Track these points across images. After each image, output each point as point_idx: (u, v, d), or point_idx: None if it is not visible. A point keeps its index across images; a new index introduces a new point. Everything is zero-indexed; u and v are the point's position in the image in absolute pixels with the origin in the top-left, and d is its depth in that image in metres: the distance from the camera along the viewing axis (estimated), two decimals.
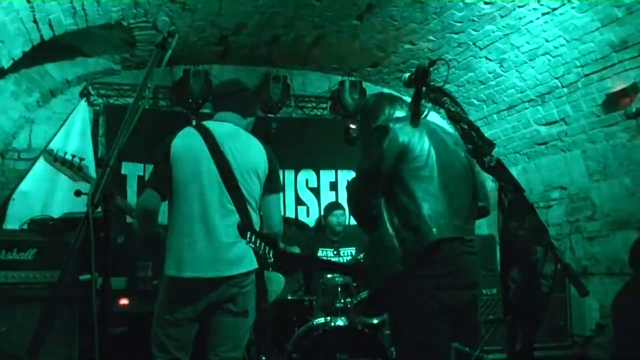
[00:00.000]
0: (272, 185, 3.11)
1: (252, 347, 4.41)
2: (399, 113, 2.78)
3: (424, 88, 2.08)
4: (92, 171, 5.47)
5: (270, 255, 2.81)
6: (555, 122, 5.59)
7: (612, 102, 4.87)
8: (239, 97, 3.19)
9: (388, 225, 2.49)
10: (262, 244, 2.75)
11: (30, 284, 3.96)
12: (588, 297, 4.77)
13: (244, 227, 2.75)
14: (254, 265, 2.94)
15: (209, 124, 3.05)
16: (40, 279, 3.96)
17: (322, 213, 6.43)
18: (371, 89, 6.72)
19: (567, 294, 5.17)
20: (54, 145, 5.39)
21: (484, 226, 6.80)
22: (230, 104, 3.14)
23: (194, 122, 3.13)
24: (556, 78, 5.22)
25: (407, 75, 2.18)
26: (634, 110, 3.75)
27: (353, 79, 6.60)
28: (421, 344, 2.46)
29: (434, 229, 2.40)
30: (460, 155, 2.67)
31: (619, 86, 4.74)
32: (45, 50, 4.76)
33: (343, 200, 6.46)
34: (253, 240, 2.75)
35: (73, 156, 3.41)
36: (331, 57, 6.32)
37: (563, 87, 5.25)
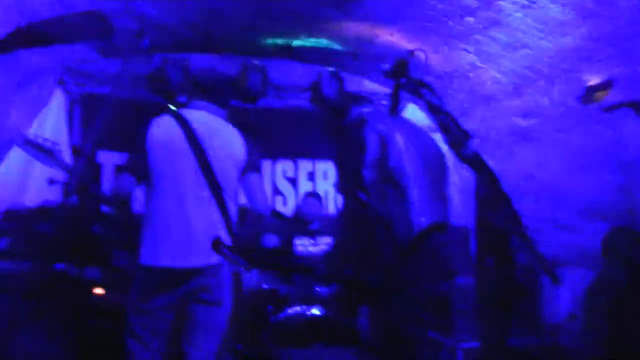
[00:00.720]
0: (251, 166, 3.11)
1: (228, 337, 4.42)
2: (366, 108, 2.81)
3: (403, 79, 2.08)
4: (69, 160, 5.44)
5: (245, 265, 2.85)
6: (532, 114, 5.64)
7: (588, 95, 4.92)
8: (217, 87, 3.17)
9: (376, 215, 2.52)
10: (237, 256, 2.77)
11: (4, 274, 3.92)
12: (560, 286, 4.87)
13: (216, 244, 2.77)
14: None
15: (187, 112, 3.03)
16: (15, 270, 3.92)
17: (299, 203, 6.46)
18: (351, 79, 6.72)
19: (540, 283, 5.24)
20: (29, 132, 5.32)
21: (460, 216, 6.85)
22: (208, 93, 3.12)
23: (171, 111, 3.09)
24: (533, 71, 5.27)
25: (386, 66, 2.18)
26: (609, 104, 3.80)
27: (332, 69, 6.59)
28: (406, 335, 2.50)
29: (423, 218, 2.45)
30: (434, 146, 2.72)
31: (595, 80, 4.80)
32: (20, 37, 4.68)
33: (320, 190, 6.49)
34: (227, 254, 2.78)
35: (45, 140, 3.34)
36: (311, 47, 6.30)
37: (540, 79, 5.29)
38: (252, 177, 3.10)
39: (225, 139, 3.02)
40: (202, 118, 3.00)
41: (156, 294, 2.84)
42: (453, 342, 4.80)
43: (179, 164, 2.89)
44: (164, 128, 2.93)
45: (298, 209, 6.27)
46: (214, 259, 2.87)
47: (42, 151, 3.29)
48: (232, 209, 3.00)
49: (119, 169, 2.94)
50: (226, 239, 2.93)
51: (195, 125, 2.94)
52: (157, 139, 2.89)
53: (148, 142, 2.88)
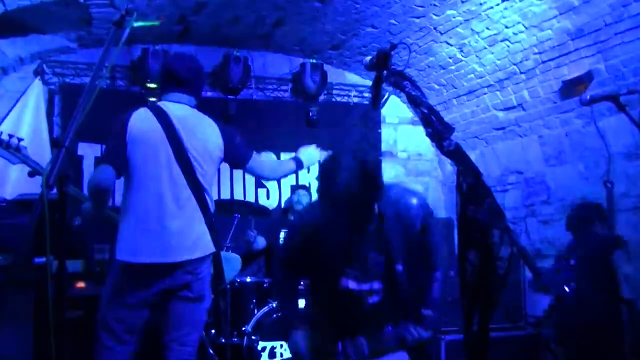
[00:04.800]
0: (242, 153, 3.11)
1: (212, 329, 4.41)
2: None
3: (385, 72, 2.08)
4: (48, 152, 5.37)
5: None
6: (513, 107, 5.68)
7: (568, 89, 4.97)
8: (197, 80, 3.11)
9: None
10: None
11: None
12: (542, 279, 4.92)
13: None
14: (210, 249, 2.91)
15: (165, 105, 2.96)
16: None
17: (282, 195, 6.45)
18: (333, 71, 6.72)
19: (522, 276, 5.28)
20: (6, 123, 5.27)
21: (443, 209, 6.90)
22: (188, 86, 3.05)
23: (149, 104, 3.02)
24: (514, 64, 5.30)
25: (368, 58, 2.17)
26: (588, 97, 3.82)
27: (314, 61, 6.58)
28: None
29: None
30: None
31: (574, 73, 4.84)
32: None
33: (304, 182, 6.48)
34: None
35: (10, 136, 3.23)
36: (293, 39, 6.28)
37: (521, 73, 5.33)
38: (253, 160, 3.13)
39: (204, 134, 2.96)
40: (180, 112, 2.93)
41: (134, 290, 2.79)
42: (436, 335, 4.83)
43: (157, 158, 2.82)
44: (142, 121, 2.86)
45: (288, 202, 6.25)
46: (193, 254, 2.86)
47: (2, 146, 3.20)
48: (211, 204, 2.97)
49: (97, 162, 2.88)
50: (205, 232, 2.90)
51: (173, 118, 2.89)
52: (135, 132, 2.82)
53: (127, 135, 2.82)
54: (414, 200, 2.63)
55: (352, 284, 2.59)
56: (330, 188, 2.30)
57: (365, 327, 2.61)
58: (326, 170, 2.37)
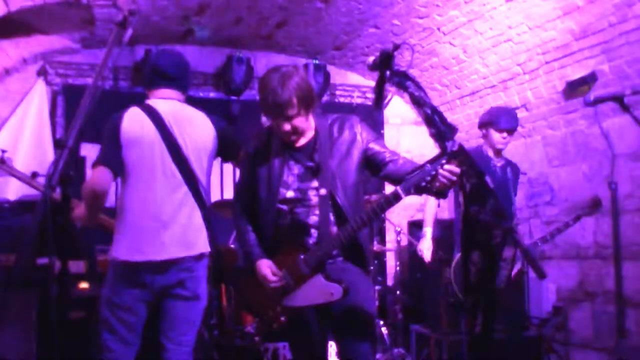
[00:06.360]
0: (238, 144, 3.11)
1: (214, 330, 4.41)
2: None
3: (388, 72, 2.08)
4: (51, 153, 5.38)
5: None
6: (517, 108, 5.66)
7: (572, 89, 4.95)
8: (184, 74, 3.10)
9: None
10: None
11: None
12: (545, 280, 4.91)
13: None
14: (205, 248, 2.91)
15: (155, 103, 2.96)
16: None
17: None
18: (336, 72, 6.72)
19: (526, 277, 5.27)
20: (10, 124, 5.29)
21: (445, 210, 6.88)
22: (175, 81, 3.04)
23: (140, 103, 2.99)
24: (518, 65, 5.29)
25: (371, 59, 2.17)
26: (592, 98, 3.82)
27: (317, 62, 6.57)
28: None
29: None
30: None
31: (578, 74, 4.83)
32: (0, 27, 4.61)
33: None
34: None
35: None
36: (295, 40, 6.28)
37: (524, 73, 5.32)
38: None
39: (196, 128, 2.97)
40: (171, 109, 2.93)
41: (131, 288, 2.80)
42: (439, 335, 4.83)
43: (152, 157, 2.82)
44: (134, 121, 2.84)
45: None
46: (188, 251, 2.85)
47: None
48: (206, 198, 2.98)
49: (93, 166, 2.86)
50: (202, 230, 2.91)
51: (166, 117, 2.88)
52: (129, 132, 2.82)
53: (121, 136, 2.82)
54: (353, 126, 2.65)
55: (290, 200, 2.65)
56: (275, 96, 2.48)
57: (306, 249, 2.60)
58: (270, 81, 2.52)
